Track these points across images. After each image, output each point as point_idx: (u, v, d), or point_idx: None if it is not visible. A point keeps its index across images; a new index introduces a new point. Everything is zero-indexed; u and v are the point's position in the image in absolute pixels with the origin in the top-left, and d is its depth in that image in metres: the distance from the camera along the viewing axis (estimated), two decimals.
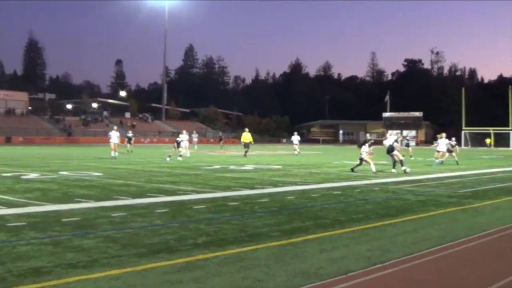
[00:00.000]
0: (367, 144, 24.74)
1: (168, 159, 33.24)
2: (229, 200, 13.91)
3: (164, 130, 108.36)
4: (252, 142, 41.89)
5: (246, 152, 39.12)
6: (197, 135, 65.83)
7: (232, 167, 27.63)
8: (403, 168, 24.31)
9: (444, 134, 32.98)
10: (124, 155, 39.23)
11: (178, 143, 34.41)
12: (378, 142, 39.15)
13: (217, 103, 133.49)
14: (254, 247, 8.15)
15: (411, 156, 39.25)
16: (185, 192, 15.51)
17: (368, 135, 46.40)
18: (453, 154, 35.00)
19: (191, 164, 29.80)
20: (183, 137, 36.17)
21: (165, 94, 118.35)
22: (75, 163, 29.59)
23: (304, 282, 6.32)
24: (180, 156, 33.95)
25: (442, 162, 31.04)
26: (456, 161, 33.35)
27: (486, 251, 8.33)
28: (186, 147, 37.26)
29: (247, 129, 42.23)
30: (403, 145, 39.22)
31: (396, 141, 25.63)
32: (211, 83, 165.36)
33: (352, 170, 24.36)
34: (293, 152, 46.52)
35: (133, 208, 12.12)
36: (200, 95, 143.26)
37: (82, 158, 36.34)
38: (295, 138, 48.25)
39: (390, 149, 25.02)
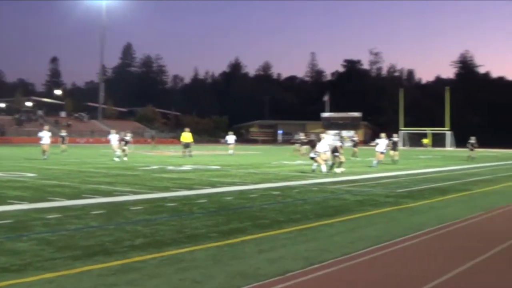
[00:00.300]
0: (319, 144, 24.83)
1: (117, 159, 32.70)
2: (167, 201, 13.80)
3: (101, 130, 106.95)
4: (193, 142, 41.43)
5: (189, 152, 38.74)
6: (131, 135, 64.90)
7: (170, 167, 27.44)
8: (337, 169, 24.46)
9: (383, 134, 33.03)
10: (58, 156, 38.49)
11: (126, 142, 33.98)
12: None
13: (155, 102, 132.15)
14: (192, 248, 8.10)
15: (356, 157, 39.49)
16: (122, 193, 15.32)
17: (302, 134, 46.83)
18: (396, 152, 35.67)
19: (128, 164, 29.48)
20: (112, 136, 35.92)
21: (102, 93, 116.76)
22: (7, 164, 28.89)
23: (242, 283, 6.30)
24: (118, 157, 33.42)
25: (378, 163, 30.89)
26: (394, 161, 33.96)
27: (422, 250, 8.46)
28: (116, 147, 36.93)
29: (187, 129, 41.64)
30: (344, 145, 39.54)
31: (341, 141, 25.91)
32: (149, 82, 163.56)
33: (330, 170, 24.24)
34: (229, 152, 46.12)
35: (68, 210, 11.90)
36: (138, 94, 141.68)
37: (15, 158, 35.52)
38: (230, 138, 47.93)
39: (334, 149, 25.21)
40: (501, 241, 9.00)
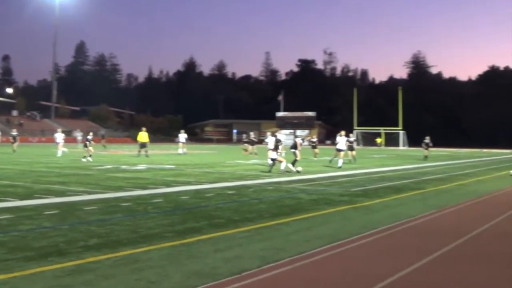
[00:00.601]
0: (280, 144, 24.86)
1: (84, 159, 32.14)
2: (121, 200, 13.68)
3: (53, 129, 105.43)
4: (149, 142, 40.88)
5: (146, 151, 38.36)
6: (81, 133, 64.11)
7: (124, 167, 27.21)
8: (291, 167, 24.51)
9: (343, 132, 32.40)
10: (9, 155, 37.87)
11: (89, 142, 33.51)
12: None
13: (109, 101, 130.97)
14: (147, 248, 8.03)
15: (316, 158, 39.37)
16: (76, 193, 15.12)
17: (252, 133, 46.92)
18: (353, 152, 36.03)
19: (82, 164, 29.14)
20: (58, 135, 35.57)
21: (54, 92, 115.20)
22: None
23: (198, 283, 6.27)
24: (85, 157, 32.77)
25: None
26: (350, 160, 34.34)
27: (377, 248, 8.53)
28: (61, 146, 36.55)
29: (144, 129, 40.95)
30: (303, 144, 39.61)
31: (303, 140, 25.98)
32: (103, 80, 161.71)
33: (291, 169, 24.40)
34: (179, 151, 45.31)
35: (21, 210, 11.70)
36: (91, 93, 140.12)
37: None
38: (182, 136, 46.94)
39: (293, 146, 25.29)
40: (454, 238, 9.13)
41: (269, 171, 23.95)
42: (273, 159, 24.44)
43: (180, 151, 44.96)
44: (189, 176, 22.07)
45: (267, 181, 20.04)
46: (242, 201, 14.03)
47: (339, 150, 30.51)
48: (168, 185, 17.97)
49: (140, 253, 7.72)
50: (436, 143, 45.00)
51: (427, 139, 42.97)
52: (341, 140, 30.99)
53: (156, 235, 9.04)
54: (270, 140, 26.45)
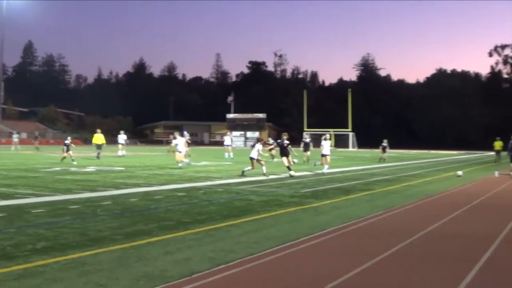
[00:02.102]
0: (260, 144, 24.70)
1: (75, 162, 31.32)
2: (70, 203, 13.52)
3: (1, 131, 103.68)
4: (105, 144, 40.14)
5: (98, 153, 37.89)
6: (18, 135, 63.00)
7: (73, 169, 26.88)
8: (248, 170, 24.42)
9: (328, 136, 30.35)
10: None
11: (67, 147, 32.76)
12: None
13: (57, 102, 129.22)
14: (96, 251, 7.97)
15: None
16: (23, 196, 14.90)
17: (187, 134, 46.72)
18: (308, 153, 36.41)
19: (30, 166, 28.70)
20: (15, 136, 34.97)
21: (1, 93, 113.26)
22: None
23: (148, 285, 6.26)
24: (73, 160, 32.01)
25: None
26: (304, 161, 34.83)
27: (327, 249, 8.61)
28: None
29: (99, 130, 40.14)
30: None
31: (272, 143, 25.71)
32: (51, 81, 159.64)
33: (242, 172, 24.21)
34: (118, 153, 43.27)
35: None
36: (39, 94, 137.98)
37: None
38: (121, 138, 44.97)
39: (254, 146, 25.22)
40: (402, 239, 9.27)
41: (243, 173, 23.79)
42: (252, 158, 24.20)
43: (119, 153, 43.09)
44: (139, 178, 21.93)
45: (217, 183, 20.04)
46: (192, 203, 14.01)
47: (324, 155, 27.59)
48: (117, 187, 17.84)
49: (89, 256, 7.66)
50: None
51: (385, 142, 43.12)
52: (326, 144, 28.09)
53: (105, 238, 8.98)
54: (180, 141, 28.73)
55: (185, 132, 30.35)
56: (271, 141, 42.25)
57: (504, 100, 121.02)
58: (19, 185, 18.24)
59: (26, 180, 20.06)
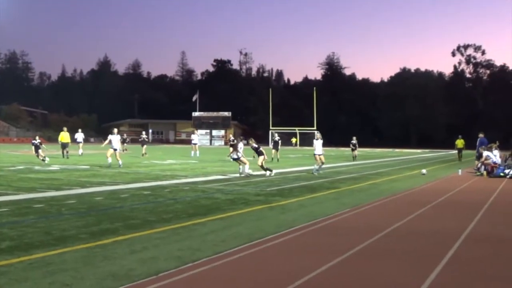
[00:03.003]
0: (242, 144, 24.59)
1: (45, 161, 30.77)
2: (34, 202, 13.38)
3: None
4: (70, 142, 39.50)
5: (67, 152, 37.41)
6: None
7: (37, 167, 26.62)
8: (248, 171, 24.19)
9: (319, 135, 28.84)
10: None
11: (36, 147, 32.05)
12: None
13: (20, 100, 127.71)
14: (61, 250, 7.89)
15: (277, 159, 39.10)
16: None
17: (193, 134, 46.52)
18: (277, 152, 36.82)
19: (46, 163, 28.38)
20: None
21: None
22: None
23: (114, 285, 6.21)
24: (44, 159, 31.28)
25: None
26: (272, 158, 35.26)
27: (294, 246, 8.63)
28: None
29: (65, 129, 39.48)
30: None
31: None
32: (14, 79, 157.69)
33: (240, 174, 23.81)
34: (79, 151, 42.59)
35: None
36: (2, 92, 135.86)
37: None
38: (79, 136, 44.14)
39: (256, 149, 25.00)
40: (367, 236, 9.33)
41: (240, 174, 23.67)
42: (235, 159, 24.10)
43: (80, 151, 42.34)
44: (104, 176, 21.77)
45: (183, 181, 19.98)
46: (158, 202, 13.95)
47: (316, 155, 27.11)
48: (82, 186, 17.69)
49: (54, 255, 7.57)
50: (349, 143, 45.69)
51: (354, 140, 43.25)
52: (318, 144, 27.44)
53: (70, 237, 8.89)
54: (114, 138, 28.58)
55: (115, 130, 29.64)
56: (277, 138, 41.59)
57: (467, 99, 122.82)
58: None
59: None
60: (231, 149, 25.24)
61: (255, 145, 25.40)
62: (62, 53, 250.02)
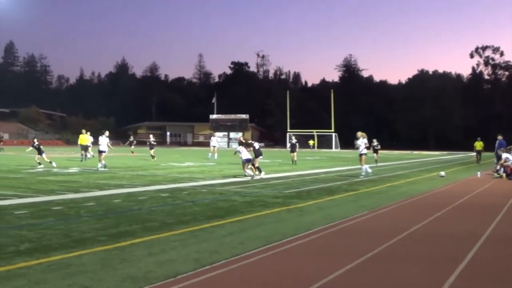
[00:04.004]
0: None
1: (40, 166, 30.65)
2: (53, 204, 13.43)
3: None
4: (90, 145, 39.33)
5: (86, 155, 37.43)
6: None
7: (56, 170, 26.73)
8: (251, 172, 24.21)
9: (360, 133, 27.23)
10: None
11: (39, 149, 31.84)
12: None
13: (39, 103, 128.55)
14: (79, 252, 7.91)
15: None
16: (5, 197, 14.77)
17: (213, 137, 46.43)
18: (295, 154, 36.94)
19: (11, 167, 28.48)
20: None
21: None
22: None
23: (132, 287, 6.23)
24: (40, 163, 31.21)
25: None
26: (293, 161, 35.56)
27: (311, 249, 8.60)
28: None
29: (84, 131, 39.52)
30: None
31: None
32: (33, 82, 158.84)
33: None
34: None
35: None
36: (21, 95, 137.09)
37: None
38: (104, 140, 42.71)
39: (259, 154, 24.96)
40: (385, 239, 9.28)
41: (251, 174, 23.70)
42: (248, 160, 24.04)
43: (88, 155, 40.68)
44: (122, 179, 21.83)
45: (201, 184, 19.99)
46: (176, 204, 13.96)
47: (364, 154, 26.21)
48: (100, 188, 17.75)
49: (73, 257, 7.60)
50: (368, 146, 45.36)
51: (375, 142, 41.37)
52: (362, 143, 26.22)
53: (88, 239, 8.91)
54: (103, 141, 28.41)
55: (107, 132, 29.22)
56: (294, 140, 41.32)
57: (485, 101, 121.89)
58: (1, 186, 18.11)
59: (8, 181, 19.91)
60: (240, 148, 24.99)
61: (257, 145, 25.45)
62: (80, 56, 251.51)
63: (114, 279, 6.52)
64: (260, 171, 24.12)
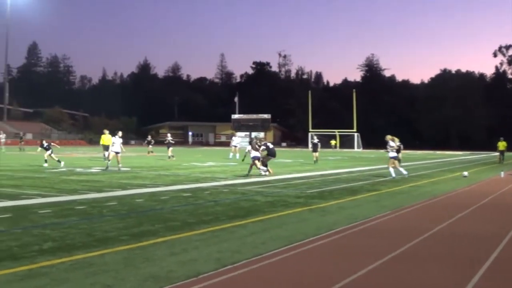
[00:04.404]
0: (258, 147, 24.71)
1: (45, 164, 30.74)
2: (76, 203, 13.52)
3: (6, 131, 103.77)
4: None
5: (109, 155, 37.47)
6: (4, 135, 62.89)
7: (78, 169, 26.91)
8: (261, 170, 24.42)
9: (391, 137, 27.06)
10: None
11: (45, 147, 31.89)
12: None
13: (62, 103, 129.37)
14: (102, 251, 7.96)
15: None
16: (29, 196, 14.89)
17: (234, 137, 46.43)
18: (316, 154, 36.92)
19: (35, 167, 28.69)
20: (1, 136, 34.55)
21: (6, 94, 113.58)
22: None
23: (154, 286, 6.24)
24: (59, 161, 31.25)
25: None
26: (314, 161, 36.58)
27: (333, 249, 8.58)
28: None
29: (107, 131, 39.33)
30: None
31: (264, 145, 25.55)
32: (56, 82, 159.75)
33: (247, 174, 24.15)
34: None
35: None
36: (44, 95, 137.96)
37: None
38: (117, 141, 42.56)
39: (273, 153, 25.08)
40: (408, 239, 9.24)
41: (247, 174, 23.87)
42: (256, 158, 24.18)
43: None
44: (144, 178, 21.92)
45: (222, 184, 20.01)
46: (198, 204, 13.99)
47: (394, 158, 26.04)
48: (123, 187, 17.84)
49: (95, 256, 7.64)
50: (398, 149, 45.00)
51: (398, 142, 40.96)
52: (392, 145, 26.13)
53: (111, 239, 8.96)
54: (116, 141, 28.21)
55: (120, 133, 28.99)
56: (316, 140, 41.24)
57: (508, 100, 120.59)
58: (25, 185, 18.25)
59: (32, 181, 20.07)
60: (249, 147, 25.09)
61: (271, 145, 25.62)
62: (103, 56, 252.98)
63: (136, 278, 6.54)
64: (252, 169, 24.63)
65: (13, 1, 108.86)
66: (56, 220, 10.81)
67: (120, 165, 27.26)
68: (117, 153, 27.96)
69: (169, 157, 40.46)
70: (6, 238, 8.84)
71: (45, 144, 31.42)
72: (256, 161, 24.21)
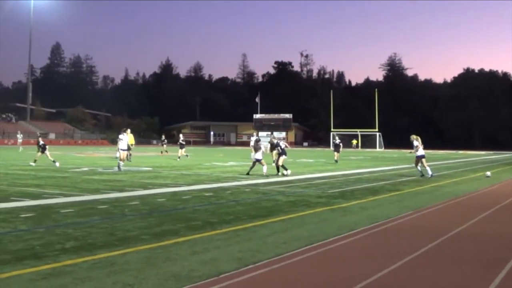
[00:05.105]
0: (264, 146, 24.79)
1: (33, 163, 31.01)
2: (98, 203, 13.58)
3: (29, 131, 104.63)
4: (134, 144, 39.39)
5: (130, 154, 37.61)
6: (21, 135, 63.39)
7: (100, 169, 27.04)
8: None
9: (415, 136, 27.31)
10: None
11: (42, 147, 31.92)
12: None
13: (85, 103, 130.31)
14: (124, 251, 7.99)
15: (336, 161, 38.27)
16: (52, 196, 14.99)
17: (253, 137, 46.35)
18: (338, 154, 36.96)
19: (57, 166, 28.87)
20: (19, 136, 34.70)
21: (30, 94, 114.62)
22: None
23: (176, 285, 6.25)
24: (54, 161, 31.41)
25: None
26: (336, 160, 36.47)
27: (355, 249, 8.55)
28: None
29: (129, 130, 39.49)
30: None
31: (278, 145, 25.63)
32: (78, 82, 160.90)
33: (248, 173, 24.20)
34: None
35: None
36: (67, 95, 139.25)
37: None
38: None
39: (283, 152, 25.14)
40: (430, 239, 9.18)
41: (248, 173, 23.93)
42: (258, 160, 24.26)
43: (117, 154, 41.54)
44: (166, 178, 21.98)
45: (244, 183, 20.02)
46: (219, 203, 14.00)
47: (421, 157, 25.98)
48: (145, 187, 17.90)
49: (117, 256, 7.67)
50: (411, 145, 44.83)
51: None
52: (416, 144, 26.24)
53: (133, 238, 8.99)
54: (125, 138, 27.76)
55: (128, 130, 28.95)
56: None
57: None
58: (47, 185, 18.38)
59: (54, 180, 20.21)
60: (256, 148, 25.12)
61: (283, 145, 25.70)
62: (125, 57, 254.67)
63: (158, 278, 6.56)
64: (280, 169, 24.69)
65: (36, 2, 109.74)
66: (79, 220, 10.87)
67: (121, 162, 26.92)
68: (123, 150, 27.83)
69: (178, 157, 40.43)
70: (29, 237, 8.90)
71: (41, 142, 31.41)
72: (258, 163, 24.24)
